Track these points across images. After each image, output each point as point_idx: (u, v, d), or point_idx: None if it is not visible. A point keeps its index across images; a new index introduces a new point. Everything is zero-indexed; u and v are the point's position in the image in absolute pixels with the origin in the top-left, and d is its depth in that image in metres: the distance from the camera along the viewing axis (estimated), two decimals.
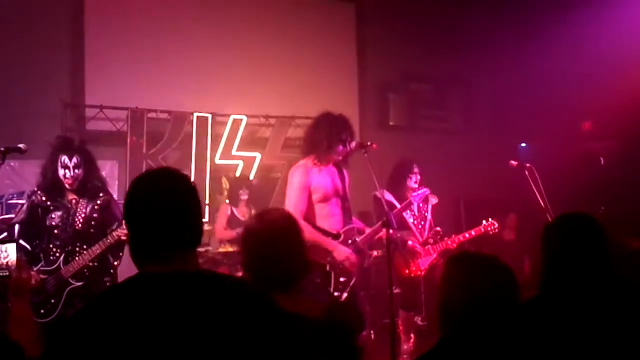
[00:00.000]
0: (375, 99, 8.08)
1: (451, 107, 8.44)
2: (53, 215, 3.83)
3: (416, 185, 5.22)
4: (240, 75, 7.09)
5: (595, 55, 6.84)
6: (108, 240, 3.77)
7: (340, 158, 4.09)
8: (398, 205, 4.92)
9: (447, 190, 6.53)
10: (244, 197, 6.23)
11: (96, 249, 3.78)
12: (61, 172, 3.84)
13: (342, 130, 3.99)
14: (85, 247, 3.81)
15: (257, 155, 7.00)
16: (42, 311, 3.71)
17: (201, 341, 1.36)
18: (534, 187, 4.46)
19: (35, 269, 3.71)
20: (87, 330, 1.37)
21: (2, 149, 3.37)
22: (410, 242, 5.16)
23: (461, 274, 1.93)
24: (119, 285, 1.52)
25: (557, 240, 2.27)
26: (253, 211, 6.02)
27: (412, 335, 5.18)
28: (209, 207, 6.65)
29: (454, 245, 5.27)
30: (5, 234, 3.86)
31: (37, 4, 6.28)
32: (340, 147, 3.99)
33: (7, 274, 2.19)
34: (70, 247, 3.81)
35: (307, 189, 3.94)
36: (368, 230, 4.19)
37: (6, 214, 5.37)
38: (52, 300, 3.76)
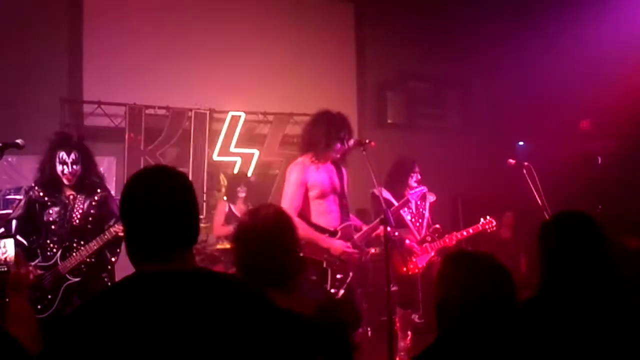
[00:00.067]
0: (374, 97, 8.10)
1: (449, 105, 8.46)
2: (50, 211, 3.83)
3: (416, 184, 5.23)
4: (238, 72, 7.09)
5: (594, 55, 6.85)
6: (105, 237, 3.77)
7: (338, 156, 4.09)
8: (396, 203, 4.93)
9: (445, 188, 6.54)
10: (242, 194, 6.22)
11: (93, 245, 3.77)
12: (59, 168, 3.83)
13: (340, 129, 4.00)
14: (82, 243, 3.81)
15: (255, 152, 7.00)
16: (38, 307, 3.70)
17: (199, 340, 1.36)
18: (531, 186, 4.47)
19: (32, 264, 3.70)
20: (86, 329, 1.37)
21: (0, 144, 3.37)
22: (407, 241, 5.17)
23: (457, 272, 1.94)
24: (118, 284, 1.52)
25: (554, 238, 2.27)
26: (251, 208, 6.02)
27: (409, 332, 5.19)
28: (207, 204, 6.65)
29: (452, 243, 5.28)
30: (2, 229, 3.85)
31: (35, 0, 6.27)
32: (338, 145, 4.00)
33: (6, 269, 2.19)
34: (67, 243, 3.81)
35: (303, 185, 3.94)
36: (365, 228, 4.20)
37: (3, 210, 5.36)
38: (49, 296, 3.75)
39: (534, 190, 4.46)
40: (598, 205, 6.15)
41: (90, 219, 3.89)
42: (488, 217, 5.40)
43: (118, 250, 3.91)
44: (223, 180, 6.82)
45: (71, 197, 3.89)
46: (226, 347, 1.38)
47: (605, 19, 6.83)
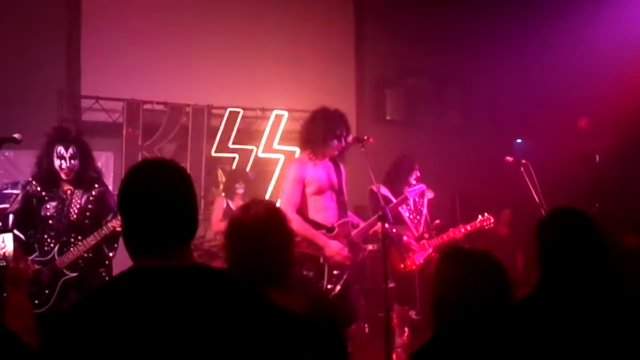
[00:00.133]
0: (373, 93, 8.10)
1: (448, 102, 8.47)
2: (48, 206, 3.82)
3: (415, 182, 5.24)
4: (237, 68, 7.08)
5: (593, 53, 6.86)
6: (103, 232, 3.76)
7: (336, 153, 4.09)
8: (394, 200, 4.93)
9: (443, 185, 6.55)
10: (240, 190, 6.22)
11: (91, 240, 3.77)
12: (57, 162, 3.82)
13: (338, 126, 3.99)
14: (80, 238, 3.80)
15: (254, 149, 6.99)
16: (36, 302, 3.69)
17: (196, 335, 1.36)
18: (529, 183, 4.48)
19: (29, 259, 3.70)
20: (83, 324, 1.37)
21: None
22: (405, 238, 5.18)
23: (453, 269, 1.94)
24: (115, 278, 1.50)
25: (551, 235, 2.28)
26: None
27: (406, 329, 5.20)
28: (205, 199, 6.65)
29: (450, 239, 5.29)
30: None
31: None
32: (336, 142, 3.99)
33: (4, 264, 2.19)
34: (65, 238, 3.80)
35: (301, 182, 3.95)
36: (363, 224, 4.20)
37: (1, 204, 5.35)
38: (47, 291, 3.75)
39: (531, 188, 4.48)
40: (595, 204, 6.16)
41: (87, 214, 3.88)
42: (486, 214, 5.41)
43: (116, 245, 3.90)
44: (221, 176, 6.82)
45: (69, 192, 3.88)
46: (223, 343, 1.38)
47: (604, 19, 6.84)
